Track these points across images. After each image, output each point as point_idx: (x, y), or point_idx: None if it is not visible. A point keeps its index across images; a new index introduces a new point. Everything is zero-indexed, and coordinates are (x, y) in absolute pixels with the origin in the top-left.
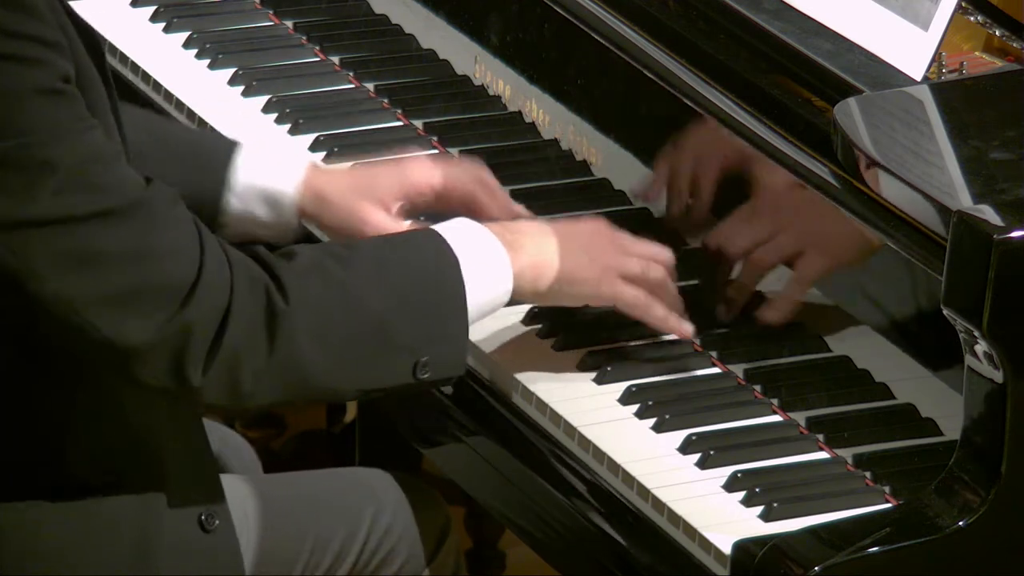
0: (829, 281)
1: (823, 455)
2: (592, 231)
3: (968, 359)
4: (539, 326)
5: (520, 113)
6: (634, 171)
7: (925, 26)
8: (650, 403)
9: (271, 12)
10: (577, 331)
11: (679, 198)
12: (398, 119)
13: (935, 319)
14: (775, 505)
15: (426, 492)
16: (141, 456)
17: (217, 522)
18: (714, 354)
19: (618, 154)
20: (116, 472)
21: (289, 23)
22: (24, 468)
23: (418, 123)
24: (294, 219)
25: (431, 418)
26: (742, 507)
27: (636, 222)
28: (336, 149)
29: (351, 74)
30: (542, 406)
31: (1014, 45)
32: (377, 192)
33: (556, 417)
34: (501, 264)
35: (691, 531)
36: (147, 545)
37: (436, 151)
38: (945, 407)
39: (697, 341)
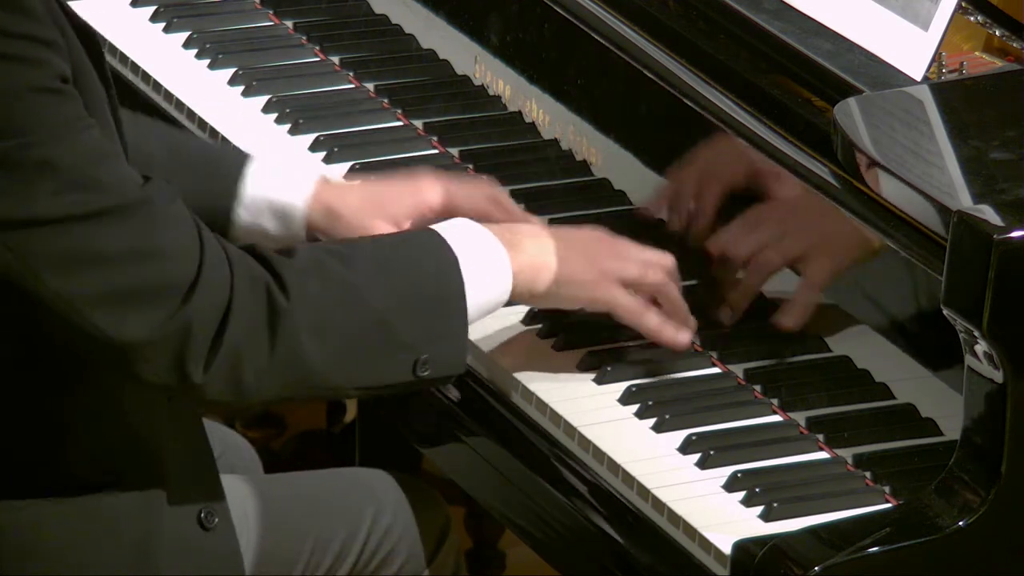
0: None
1: (823, 455)
2: (592, 237)
3: (968, 359)
4: (539, 326)
5: (520, 113)
6: (634, 171)
7: (925, 26)
8: (650, 403)
9: (271, 12)
10: (577, 331)
11: (685, 208)
12: (398, 119)
13: (935, 319)
14: (775, 505)
15: (426, 492)
16: (141, 455)
17: (216, 520)
18: (714, 354)
19: (618, 154)
20: (116, 471)
21: (289, 23)
22: (24, 468)
23: (418, 123)
24: (303, 232)
25: (431, 418)
26: (742, 507)
27: (636, 222)
28: (336, 149)
29: (351, 74)
30: (542, 406)
31: (1014, 45)
32: (389, 210)
33: (556, 417)
34: (501, 263)
35: (691, 531)
36: (147, 544)
37: (436, 150)
38: (945, 407)
39: (697, 341)
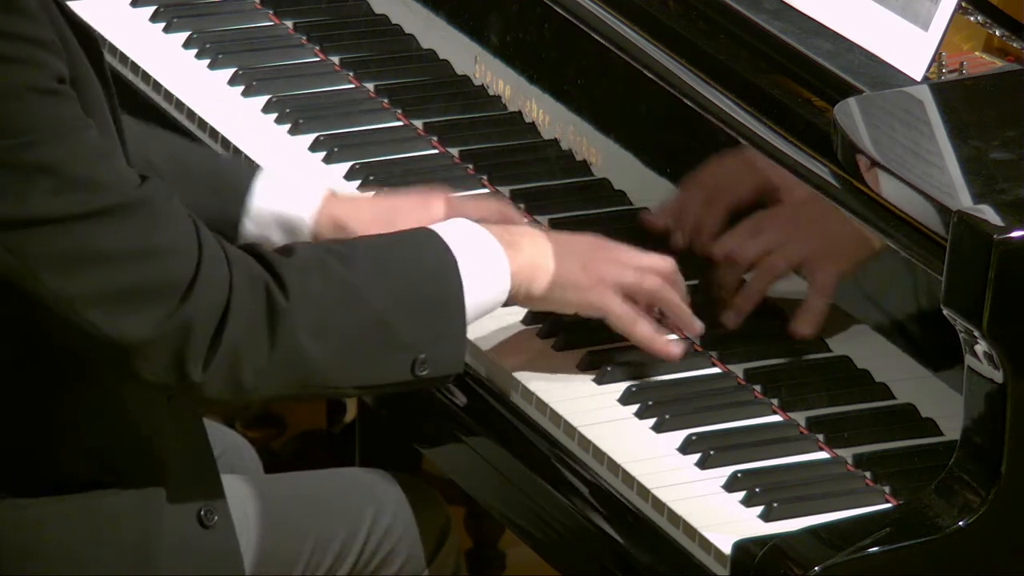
0: None
1: (823, 455)
2: (590, 242)
3: (968, 359)
4: (539, 326)
5: (520, 113)
6: (634, 171)
7: (925, 26)
8: (650, 403)
9: (271, 12)
10: (577, 331)
11: (690, 221)
12: (398, 119)
13: (935, 319)
14: (775, 505)
15: (426, 492)
16: (141, 454)
17: (216, 518)
18: (714, 354)
19: (618, 154)
20: (116, 470)
21: (289, 23)
22: (24, 467)
23: (418, 123)
24: None
25: (431, 418)
26: (742, 507)
27: (636, 221)
28: (336, 149)
29: (351, 74)
30: (542, 406)
31: (1014, 45)
32: (399, 224)
33: (556, 417)
34: (499, 263)
35: (691, 531)
36: (147, 543)
37: (436, 150)
38: (945, 407)
39: (697, 341)
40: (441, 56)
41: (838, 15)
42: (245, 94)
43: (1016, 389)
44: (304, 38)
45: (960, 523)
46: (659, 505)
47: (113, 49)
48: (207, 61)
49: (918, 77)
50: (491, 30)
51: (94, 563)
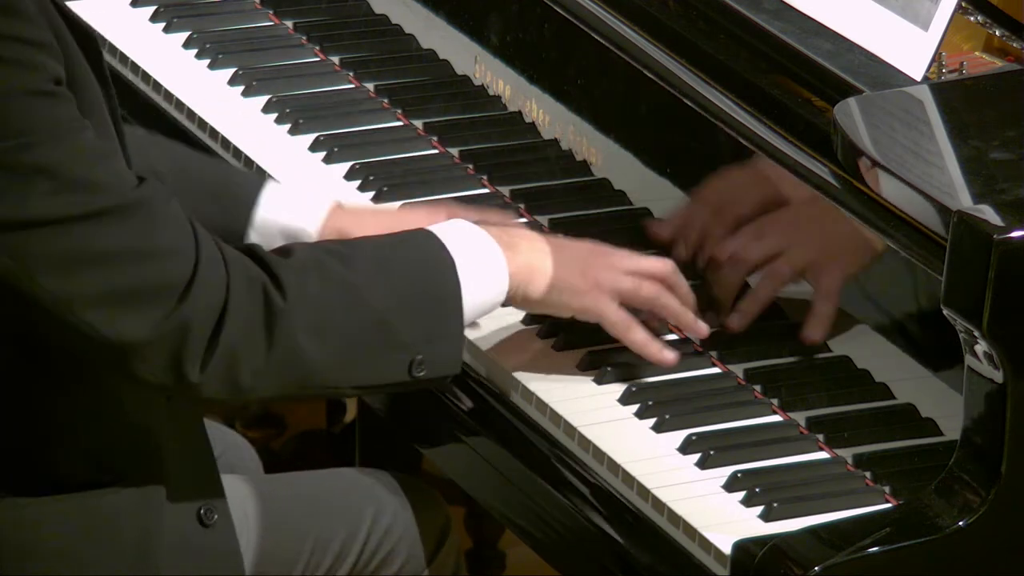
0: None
1: (823, 455)
2: (589, 248)
3: (968, 359)
4: (539, 326)
5: (520, 113)
6: (634, 171)
7: (925, 26)
8: (650, 403)
9: (271, 12)
10: (577, 331)
11: (694, 235)
12: (398, 119)
13: (935, 319)
14: (775, 505)
15: (426, 492)
16: (141, 454)
17: (216, 517)
18: (714, 354)
19: (618, 154)
20: (116, 470)
21: (289, 23)
22: (24, 467)
23: (418, 123)
24: None
25: (431, 418)
26: (742, 507)
27: (637, 221)
28: (336, 149)
29: (351, 74)
30: (542, 406)
31: (1014, 45)
32: None
33: (556, 417)
34: (497, 264)
35: (691, 531)
36: (147, 543)
37: (436, 150)
38: (945, 407)
39: (697, 341)
40: (441, 56)
41: (838, 15)
42: (245, 94)
43: (1016, 389)
44: (304, 38)
45: (960, 523)
46: (659, 505)
47: (113, 49)
48: (207, 61)
49: (918, 77)
50: (491, 30)
51: (93, 562)
